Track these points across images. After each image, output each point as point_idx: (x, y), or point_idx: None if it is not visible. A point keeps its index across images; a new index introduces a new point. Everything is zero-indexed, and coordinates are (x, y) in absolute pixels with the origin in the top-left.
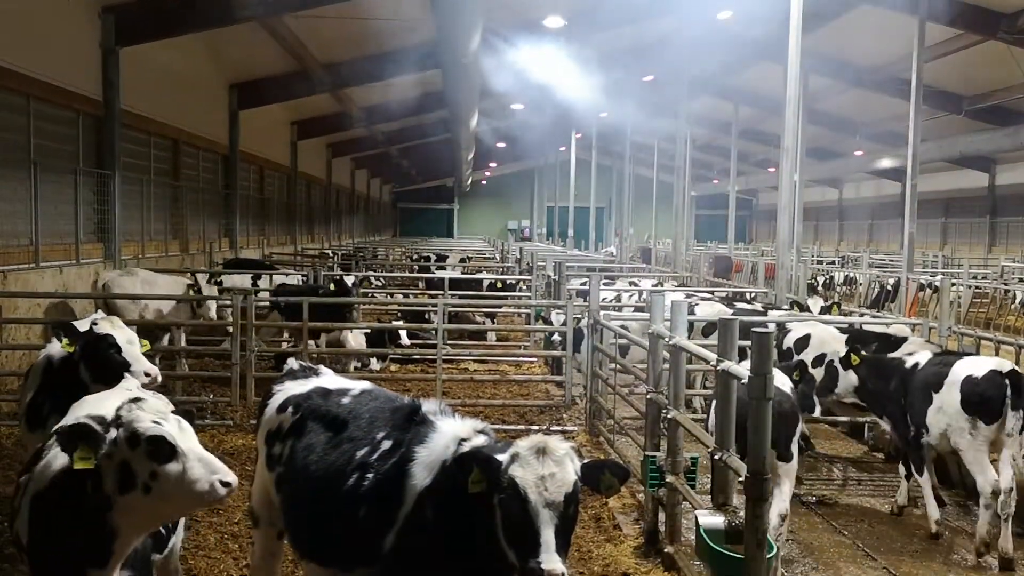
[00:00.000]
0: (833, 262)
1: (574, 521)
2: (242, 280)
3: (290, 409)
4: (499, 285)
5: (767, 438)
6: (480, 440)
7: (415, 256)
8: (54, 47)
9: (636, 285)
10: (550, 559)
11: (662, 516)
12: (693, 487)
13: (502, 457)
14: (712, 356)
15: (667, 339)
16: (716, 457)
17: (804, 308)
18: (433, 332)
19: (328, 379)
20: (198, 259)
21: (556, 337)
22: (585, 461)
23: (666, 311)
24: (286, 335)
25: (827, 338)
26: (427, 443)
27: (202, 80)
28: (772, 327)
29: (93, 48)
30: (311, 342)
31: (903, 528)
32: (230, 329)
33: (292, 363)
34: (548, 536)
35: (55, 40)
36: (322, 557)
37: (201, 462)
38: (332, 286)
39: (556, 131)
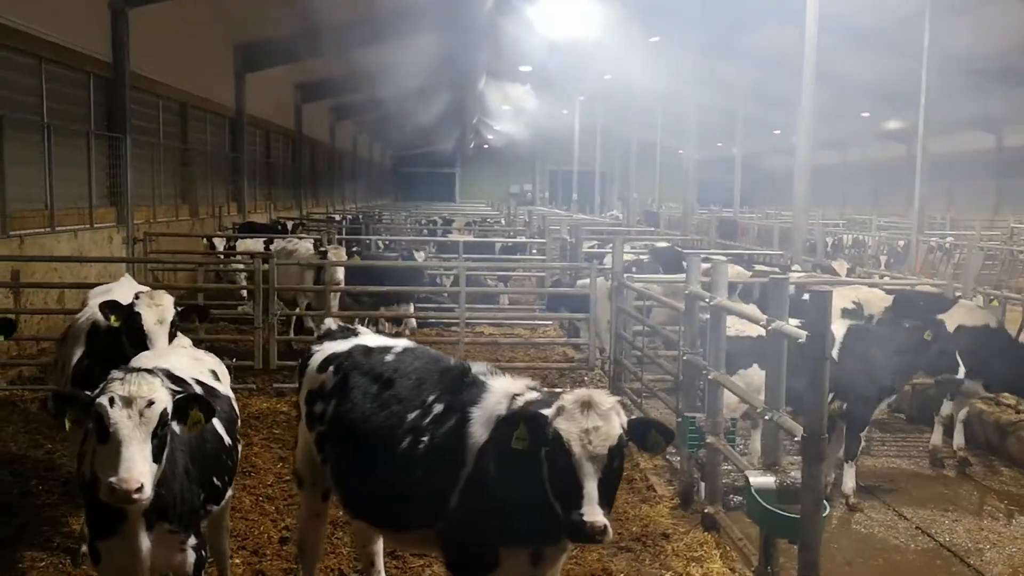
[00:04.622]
0: (838, 225)
1: (619, 475)
2: (255, 244)
3: (331, 368)
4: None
5: (825, 398)
6: (532, 395)
7: (423, 220)
8: (63, 7)
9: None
10: (592, 511)
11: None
12: (732, 448)
13: (547, 411)
14: (760, 316)
15: (707, 300)
16: (767, 417)
17: (827, 271)
18: (445, 296)
19: (368, 338)
20: (208, 223)
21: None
22: (632, 417)
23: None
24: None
25: (872, 299)
26: (480, 402)
27: (208, 42)
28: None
29: (102, 9)
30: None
31: (930, 488)
32: (244, 294)
33: (330, 323)
34: (591, 489)
35: (64, 0)
36: (375, 518)
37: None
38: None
39: (559, 94)
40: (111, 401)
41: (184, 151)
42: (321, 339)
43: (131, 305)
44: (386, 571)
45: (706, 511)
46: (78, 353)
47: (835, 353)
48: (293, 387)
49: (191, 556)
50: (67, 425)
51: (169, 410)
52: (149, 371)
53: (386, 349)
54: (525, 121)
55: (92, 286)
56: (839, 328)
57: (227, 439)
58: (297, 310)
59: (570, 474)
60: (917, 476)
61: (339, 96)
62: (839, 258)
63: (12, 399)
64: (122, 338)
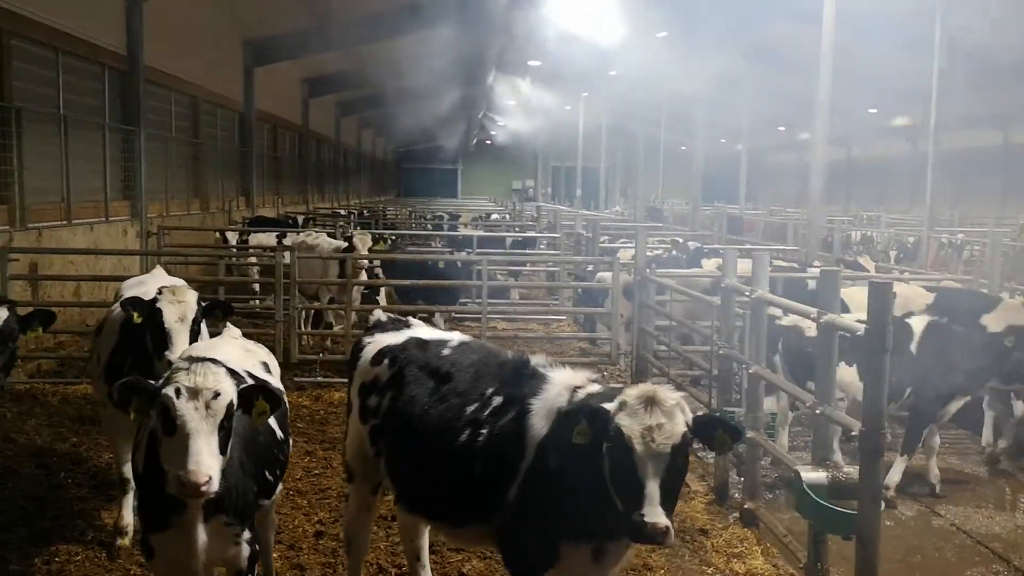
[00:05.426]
0: (844, 221)
1: (683, 474)
2: (267, 238)
3: (386, 361)
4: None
5: (884, 392)
6: (593, 388)
7: (429, 216)
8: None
9: (680, 243)
10: (653, 512)
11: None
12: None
13: (610, 406)
14: (808, 310)
15: (747, 293)
16: (818, 412)
17: (852, 267)
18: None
19: (421, 330)
20: (218, 218)
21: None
22: (698, 414)
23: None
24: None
25: (913, 296)
26: (541, 395)
27: (218, 36)
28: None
29: (117, 1)
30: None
31: (963, 485)
32: (256, 288)
33: (380, 315)
34: (652, 489)
35: None
36: (431, 512)
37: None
38: (441, 265)
39: (564, 89)
40: (177, 392)
41: (196, 145)
42: (372, 331)
43: (153, 301)
44: None
45: (745, 507)
46: (113, 345)
47: (913, 347)
48: (313, 381)
49: (245, 550)
50: (131, 416)
51: (235, 402)
52: (214, 361)
53: (442, 342)
54: (530, 116)
55: (108, 279)
56: (918, 323)
57: (279, 433)
58: (316, 304)
59: (631, 472)
60: (948, 472)
61: (345, 91)
62: (863, 254)
63: (33, 392)
64: (146, 334)
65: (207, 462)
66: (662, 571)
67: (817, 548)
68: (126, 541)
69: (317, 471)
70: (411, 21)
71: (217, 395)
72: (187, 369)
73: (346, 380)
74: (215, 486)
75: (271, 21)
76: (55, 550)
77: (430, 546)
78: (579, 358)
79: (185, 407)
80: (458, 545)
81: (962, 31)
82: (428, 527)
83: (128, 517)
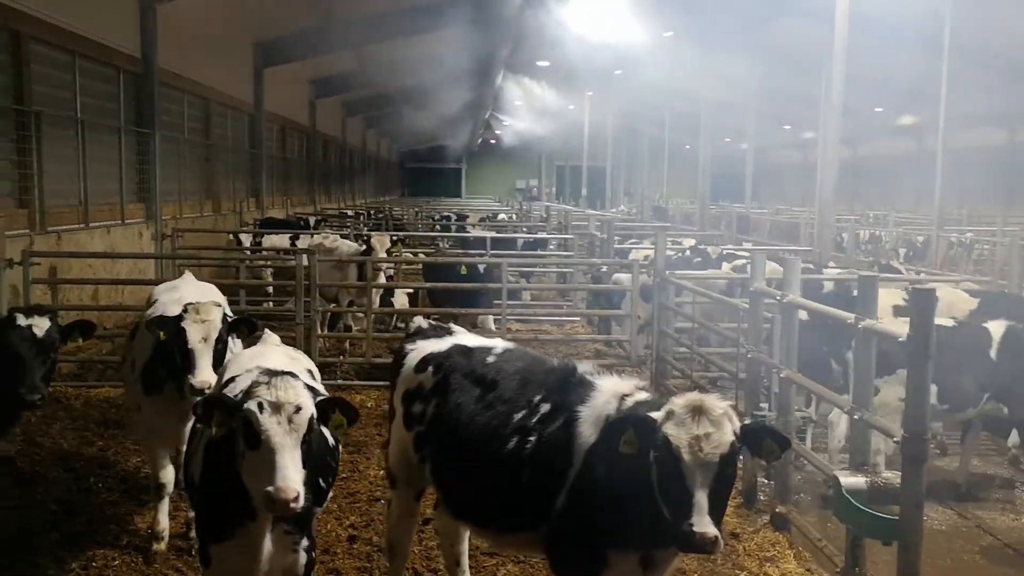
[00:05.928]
0: (850, 220)
1: (731, 483)
2: (280, 240)
3: (431, 368)
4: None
5: (927, 398)
6: (641, 395)
7: (436, 216)
8: (95, 2)
9: (700, 248)
10: (702, 522)
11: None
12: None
13: (657, 415)
14: (844, 315)
15: (778, 297)
16: (856, 416)
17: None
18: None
19: (464, 337)
20: (230, 219)
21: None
22: (746, 423)
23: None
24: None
25: (955, 301)
26: (589, 402)
27: (229, 38)
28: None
29: (131, 4)
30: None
31: (986, 487)
32: (270, 290)
33: (420, 321)
34: (701, 498)
35: None
36: (479, 518)
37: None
38: (463, 269)
39: (570, 89)
40: (260, 407)
41: (208, 147)
42: (413, 337)
43: (178, 319)
44: None
45: (777, 510)
46: (149, 352)
47: (993, 353)
48: (334, 384)
49: (303, 557)
50: (214, 430)
51: (315, 415)
52: (292, 374)
53: (487, 349)
54: (535, 116)
55: (127, 283)
56: (997, 327)
57: (331, 440)
58: (334, 306)
59: (679, 482)
60: (971, 475)
61: (351, 91)
62: (894, 257)
63: (55, 396)
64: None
65: (294, 477)
66: (695, 575)
67: (855, 553)
68: (162, 546)
69: (344, 475)
70: (418, 22)
71: (299, 409)
72: (268, 383)
73: (366, 383)
74: (302, 501)
75: (280, 23)
76: (91, 555)
77: None
78: (595, 360)
79: (269, 422)
80: (504, 551)
81: (968, 30)
82: (468, 532)
83: (164, 522)
